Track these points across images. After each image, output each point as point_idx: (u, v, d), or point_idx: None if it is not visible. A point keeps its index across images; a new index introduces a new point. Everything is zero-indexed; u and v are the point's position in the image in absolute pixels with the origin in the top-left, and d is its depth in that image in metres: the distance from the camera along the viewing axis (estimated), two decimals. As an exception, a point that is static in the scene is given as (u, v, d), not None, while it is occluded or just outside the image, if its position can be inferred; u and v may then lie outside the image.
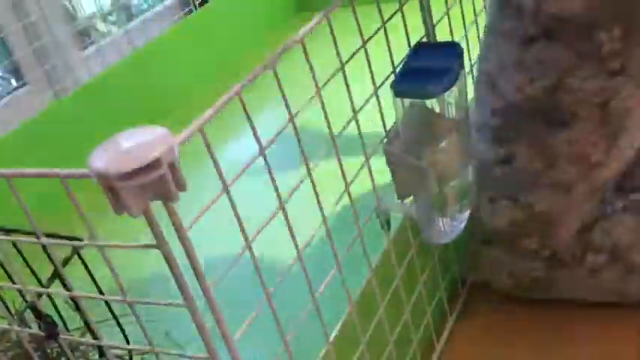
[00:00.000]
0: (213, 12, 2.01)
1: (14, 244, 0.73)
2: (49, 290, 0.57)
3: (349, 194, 0.67)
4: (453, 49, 0.77)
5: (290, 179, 0.58)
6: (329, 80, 0.63)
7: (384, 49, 0.74)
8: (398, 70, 0.75)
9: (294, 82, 0.83)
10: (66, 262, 0.65)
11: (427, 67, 0.74)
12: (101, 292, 0.72)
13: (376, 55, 0.72)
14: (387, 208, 0.79)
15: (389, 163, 0.77)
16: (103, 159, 0.40)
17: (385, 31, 0.73)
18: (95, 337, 0.59)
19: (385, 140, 0.77)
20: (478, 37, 1.02)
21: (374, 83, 0.72)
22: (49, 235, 0.53)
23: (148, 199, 0.41)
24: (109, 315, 0.73)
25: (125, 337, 0.77)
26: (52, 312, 0.71)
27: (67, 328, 0.76)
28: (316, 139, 1.37)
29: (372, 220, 0.75)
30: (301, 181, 0.59)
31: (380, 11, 0.72)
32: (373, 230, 0.75)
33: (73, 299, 0.65)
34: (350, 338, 0.71)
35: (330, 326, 0.67)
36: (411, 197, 0.81)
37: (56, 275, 0.66)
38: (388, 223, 0.79)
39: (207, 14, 1.98)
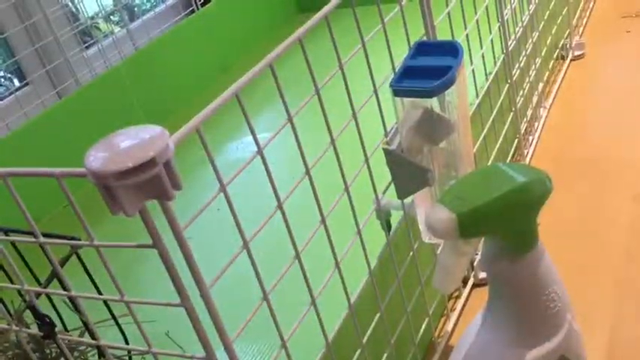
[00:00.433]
0: (215, 12, 2.00)
1: (13, 245, 0.73)
2: (47, 290, 0.57)
3: (349, 194, 0.67)
4: (452, 49, 0.76)
5: (291, 177, 0.57)
6: (328, 80, 0.62)
7: (385, 48, 0.74)
8: (397, 69, 0.75)
9: (296, 81, 0.83)
10: (64, 261, 0.65)
11: (427, 67, 0.74)
12: (100, 292, 0.72)
13: (376, 54, 0.72)
14: (387, 207, 0.78)
15: (389, 163, 0.76)
16: (98, 158, 0.40)
17: (385, 30, 0.72)
18: (94, 338, 0.58)
19: (385, 140, 0.77)
20: (479, 36, 1.01)
21: (373, 83, 0.72)
22: (46, 235, 0.53)
23: (143, 198, 0.41)
24: (109, 315, 0.73)
25: (124, 337, 0.76)
26: (51, 312, 0.71)
27: (66, 329, 0.75)
28: (317, 138, 1.36)
29: (372, 220, 0.75)
30: (299, 181, 0.59)
31: (380, 11, 0.71)
32: (373, 230, 0.75)
33: (71, 299, 0.65)
34: (349, 339, 0.71)
35: (329, 327, 0.66)
36: (412, 197, 0.80)
37: (54, 275, 0.65)
38: (388, 223, 0.79)
39: (208, 15, 1.98)
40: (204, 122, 0.48)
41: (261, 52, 0.58)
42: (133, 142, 0.41)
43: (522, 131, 1.24)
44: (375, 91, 0.72)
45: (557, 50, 1.54)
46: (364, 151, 0.71)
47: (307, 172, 0.61)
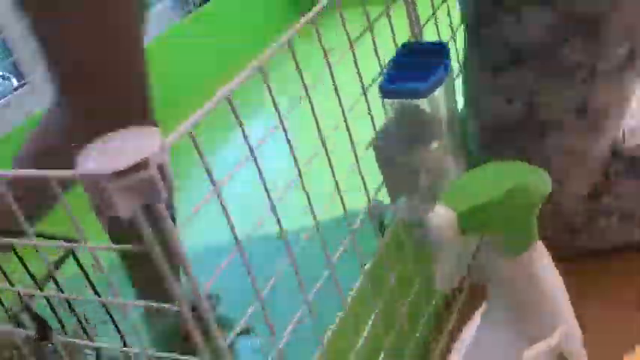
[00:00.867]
0: (213, 12, 2.01)
1: (12, 247, 0.74)
2: (40, 292, 0.57)
3: (340, 196, 0.68)
4: (440, 49, 0.77)
5: (284, 178, 0.58)
6: (317, 82, 0.63)
7: (372, 50, 0.74)
8: (386, 70, 0.75)
9: (288, 83, 0.83)
10: (60, 262, 0.66)
11: (415, 67, 0.75)
12: (96, 292, 0.72)
13: (365, 56, 0.72)
14: (380, 209, 0.79)
15: (380, 164, 0.77)
16: (92, 160, 0.41)
17: (372, 32, 0.73)
18: (89, 338, 0.59)
19: (375, 141, 0.77)
20: (465, 37, 1.02)
21: (362, 84, 0.72)
22: (42, 237, 0.54)
23: (136, 199, 0.41)
24: (107, 315, 0.73)
25: (122, 337, 0.77)
26: (48, 313, 0.72)
27: (63, 329, 0.76)
28: (307, 139, 1.37)
29: (365, 221, 0.75)
30: (292, 183, 0.59)
31: (366, 13, 0.72)
32: (367, 232, 0.75)
33: (67, 300, 0.66)
34: (344, 343, 0.72)
35: (324, 330, 0.67)
36: (403, 197, 0.81)
37: (49, 276, 0.66)
38: (382, 224, 0.80)
39: (206, 14, 1.99)
40: (199, 123, 0.48)
41: (259, 51, 0.59)
42: (126, 144, 0.41)
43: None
44: (364, 92, 0.73)
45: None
46: (354, 152, 0.71)
47: (299, 174, 0.62)
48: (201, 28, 1.96)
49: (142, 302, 0.53)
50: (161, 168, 0.42)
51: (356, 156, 0.71)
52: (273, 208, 0.58)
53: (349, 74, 0.71)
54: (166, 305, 0.49)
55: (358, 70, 0.70)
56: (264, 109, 1.53)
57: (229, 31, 2.03)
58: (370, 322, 0.76)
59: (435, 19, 0.88)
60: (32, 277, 0.75)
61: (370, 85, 0.74)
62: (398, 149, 0.75)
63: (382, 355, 0.78)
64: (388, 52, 0.78)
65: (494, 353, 0.68)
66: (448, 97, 0.75)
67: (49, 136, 0.95)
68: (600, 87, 0.85)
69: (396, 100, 0.74)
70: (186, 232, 0.49)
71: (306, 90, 0.61)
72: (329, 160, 0.66)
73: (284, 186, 0.60)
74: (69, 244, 0.54)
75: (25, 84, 1.80)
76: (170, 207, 0.86)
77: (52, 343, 0.59)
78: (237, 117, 0.53)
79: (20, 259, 0.75)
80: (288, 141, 0.59)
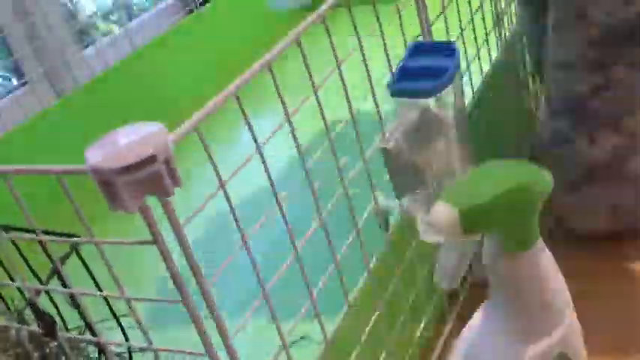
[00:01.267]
0: (214, 11, 2.01)
1: (13, 242, 0.74)
2: (47, 287, 0.57)
3: (347, 194, 0.68)
4: (448, 48, 0.77)
5: (289, 176, 0.58)
6: (325, 80, 0.63)
7: (382, 49, 0.74)
8: (394, 69, 0.75)
9: (294, 81, 0.83)
10: (64, 259, 0.65)
11: (423, 67, 0.75)
12: (100, 290, 0.72)
13: (374, 54, 0.72)
14: (385, 207, 0.79)
15: (386, 162, 0.77)
16: (98, 154, 0.41)
17: (381, 30, 0.73)
18: (94, 335, 0.59)
19: (382, 140, 0.77)
20: (474, 37, 1.02)
21: (370, 83, 0.72)
22: (46, 233, 0.54)
23: (143, 194, 0.41)
24: (109, 314, 0.73)
25: (125, 335, 0.77)
26: (52, 310, 0.72)
27: (66, 328, 0.76)
28: (315, 138, 1.37)
29: (370, 219, 0.75)
30: (302, 181, 0.59)
31: (375, 11, 0.72)
32: (371, 230, 0.75)
33: (72, 297, 0.66)
34: (347, 339, 0.72)
35: (327, 326, 0.67)
36: (409, 196, 0.81)
37: (54, 273, 0.66)
38: (387, 222, 0.80)
39: (207, 13, 1.99)
40: (204, 120, 0.48)
41: (261, 50, 0.59)
42: (133, 138, 0.41)
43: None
44: (372, 91, 0.73)
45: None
46: (361, 149, 0.71)
47: (305, 173, 0.62)
48: (201, 28, 1.96)
49: (145, 297, 0.53)
50: (168, 163, 0.42)
51: (362, 154, 0.71)
52: (280, 206, 0.58)
53: (356, 73, 0.71)
54: (170, 299, 0.49)
55: (367, 68, 0.70)
56: (266, 107, 1.53)
57: (230, 32, 2.03)
58: (373, 320, 0.76)
59: (445, 18, 0.88)
60: (35, 274, 0.75)
61: (378, 84, 0.74)
62: (405, 148, 0.75)
63: (384, 354, 0.78)
64: (397, 51, 0.78)
65: (494, 352, 0.68)
66: (456, 96, 0.75)
67: None
68: None
69: (404, 100, 0.74)
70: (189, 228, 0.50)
71: (313, 85, 0.61)
72: (335, 158, 0.66)
73: (291, 181, 0.61)
74: (73, 239, 0.54)
75: (25, 84, 1.80)
76: None
77: (57, 341, 0.59)
78: (244, 114, 0.53)
79: (23, 256, 0.74)
80: (295, 138, 0.59)
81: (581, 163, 0.93)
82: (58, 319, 0.73)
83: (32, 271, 0.75)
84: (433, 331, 0.91)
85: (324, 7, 0.62)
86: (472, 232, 0.60)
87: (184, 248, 0.46)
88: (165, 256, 0.46)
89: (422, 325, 0.87)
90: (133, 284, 1.20)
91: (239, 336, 0.53)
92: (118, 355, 0.76)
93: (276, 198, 0.58)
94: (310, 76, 0.61)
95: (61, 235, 0.58)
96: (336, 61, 0.65)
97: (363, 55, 0.69)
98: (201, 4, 2.04)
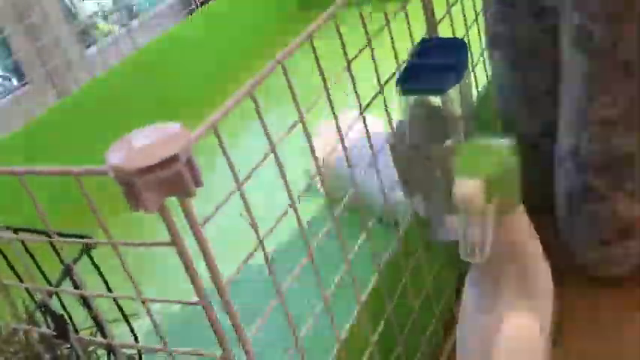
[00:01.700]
0: (216, 11, 2.00)
1: (23, 244, 0.73)
2: (60, 289, 0.57)
3: (357, 192, 0.67)
4: (457, 45, 0.77)
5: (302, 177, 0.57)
6: (336, 79, 0.63)
7: (389, 47, 0.74)
8: (403, 67, 0.75)
9: (301, 80, 0.83)
10: (75, 261, 0.65)
11: (432, 64, 0.74)
12: (110, 291, 0.72)
13: (382, 53, 0.72)
14: (395, 206, 0.79)
15: (396, 161, 0.77)
16: (120, 155, 0.40)
17: (389, 28, 0.73)
18: (105, 336, 0.59)
19: (391, 139, 0.77)
20: (479, 35, 1.02)
21: (379, 81, 0.72)
22: (58, 234, 0.53)
23: (164, 194, 0.41)
24: (119, 316, 0.73)
25: (135, 336, 0.77)
26: (61, 312, 0.71)
27: (75, 330, 0.75)
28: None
29: (380, 218, 0.75)
30: (310, 182, 0.59)
31: (384, 10, 0.72)
32: (381, 229, 0.75)
33: (83, 298, 0.65)
34: (359, 338, 0.71)
35: (340, 326, 0.67)
36: (419, 195, 0.81)
37: (66, 274, 0.65)
38: (396, 221, 0.79)
39: (209, 13, 1.98)
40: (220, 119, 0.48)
41: (262, 50, 0.59)
42: (154, 139, 0.41)
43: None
44: (382, 89, 0.72)
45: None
46: (371, 148, 0.71)
47: (318, 171, 0.61)
48: (202, 28, 1.96)
49: (162, 299, 0.53)
50: (189, 163, 0.42)
51: (373, 154, 0.71)
52: (294, 206, 0.58)
53: (365, 72, 0.71)
54: (190, 301, 0.49)
55: (376, 66, 0.70)
56: (274, 108, 1.53)
57: (231, 32, 2.03)
58: (384, 318, 0.76)
59: (450, 16, 0.88)
60: (44, 275, 0.75)
61: (387, 82, 0.74)
62: (414, 147, 0.75)
63: (396, 352, 0.78)
64: (404, 49, 0.77)
65: (475, 329, 0.69)
66: (465, 93, 0.75)
67: None
68: None
69: (413, 97, 0.74)
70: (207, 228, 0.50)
71: (325, 83, 0.60)
72: (347, 158, 0.65)
73: (302, 184, 0.61)
74: (85, 240, 0.53)
75: (25, 84, 1.79)
76: None
77: (70, 342, 0.59)
78: (258, 113, 0.53)
79: (32, 257, 0.74)
80: (309, 138, 0.59)
81: (618, 220, 0.88)
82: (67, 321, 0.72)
83: (42, 272, 0.75)
84: (442, 331, 0.90)
85: (335, 5, 0.62)
86: (492, 201, 0.63)
87: (204, 249, 0.46)
88: (184, 257, 0.45)
89: (431, 325, 0.87)
90: (144, 285, 1.20)
91: (254, 336, 0.52)
92: (130, 356, 0.76)
93: (290, 197, 0.58)
94: (322, 74, 0.61)
95: (74, 236, 0.58)
96: (346, 58, 0.65)
97: (372, 52, 0.69)
98: (202, 4, 2.04)
